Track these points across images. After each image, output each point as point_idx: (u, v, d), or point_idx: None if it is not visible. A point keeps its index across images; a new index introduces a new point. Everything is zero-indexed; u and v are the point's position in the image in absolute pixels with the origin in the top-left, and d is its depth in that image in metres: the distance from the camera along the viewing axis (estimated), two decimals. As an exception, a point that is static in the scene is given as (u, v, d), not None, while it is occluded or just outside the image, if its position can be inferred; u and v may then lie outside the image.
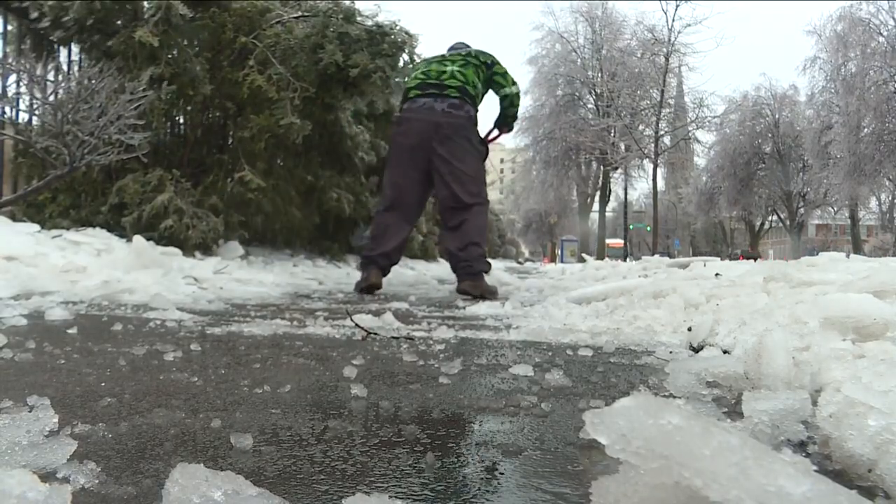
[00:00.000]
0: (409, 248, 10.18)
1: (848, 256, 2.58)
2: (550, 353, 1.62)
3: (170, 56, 6.24)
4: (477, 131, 4.45)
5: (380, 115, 10.09)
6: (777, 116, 30.01)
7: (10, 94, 5.91)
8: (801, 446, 0.80)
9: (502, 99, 4.67)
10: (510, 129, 4.87)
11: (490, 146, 4.75)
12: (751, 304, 1.81)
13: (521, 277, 7.37)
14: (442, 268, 10.33)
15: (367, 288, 4.24)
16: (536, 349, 1.70)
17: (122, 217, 5.91)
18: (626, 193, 28.96)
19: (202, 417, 0.93)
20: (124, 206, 5.97)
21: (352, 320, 2.06)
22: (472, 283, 4.09)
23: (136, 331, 1.93)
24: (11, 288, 2.95)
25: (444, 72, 4.44)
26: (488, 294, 4.04)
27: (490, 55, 4.68)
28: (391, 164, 4.53)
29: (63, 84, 5.18)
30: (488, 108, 4.86)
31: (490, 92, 4.76)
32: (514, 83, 4.68)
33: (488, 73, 4.59)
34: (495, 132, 4.85)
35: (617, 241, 36.40)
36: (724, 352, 1.49)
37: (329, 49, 6.67)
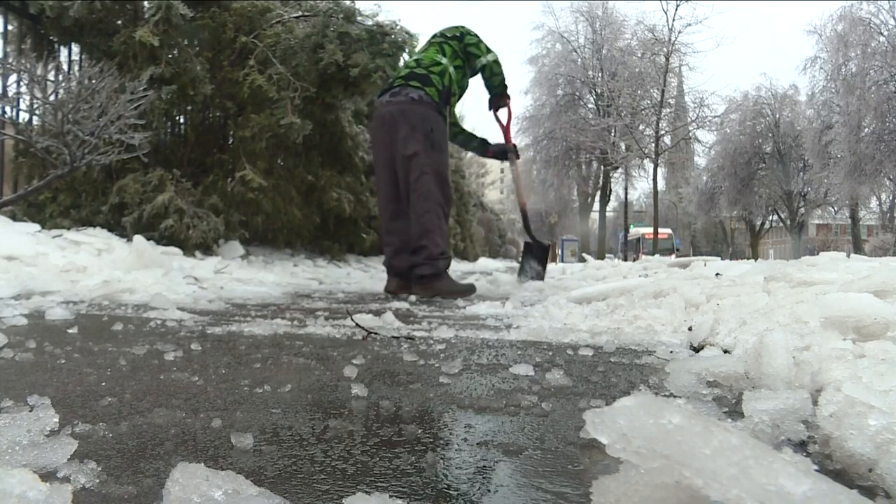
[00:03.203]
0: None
1: (848, 256, 2.58)
2: (551, 353, 1.62)
3: (170, 56, 6.25)
4: (425, 111, 4.13)
5: (380, 114, 10.08)
6: (777, 116, 30.00)
7: (10, 93, 5.91)
8: (801, 446, 0.80)
9: (481, 71, 4.48)
10: (503, 99, 4.60)
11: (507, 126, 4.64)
12: (751, 303, 1.81)
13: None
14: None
15: (391, 293, 4.26)
16: (537, 349, 1.70)
17: (123, 217, 5.91)
18: (626, 193, 28.94)
19: (203, 417, 0.93)
20: (125, 205, 5.98)
21: (352, 320, 2.06)
22: (420, 287, 4.01)
23: (137, 330, 1.93)
24: (12, 288, 2.95)
25: (407, 63, 4.39)
26: (447, 295, 3.94)
27: (459, 27, 4.49)
28: (374, 170, 4.53)
29: (63, 84, 5.18)
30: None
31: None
32: (488, 51, 4.46)
33: (461, 45, 4.40)
34: (502, 113, 4.66)
35: (660, 231, 32.26)
36: (725, 351, 1.49)
37: (329, 49, 6.68)
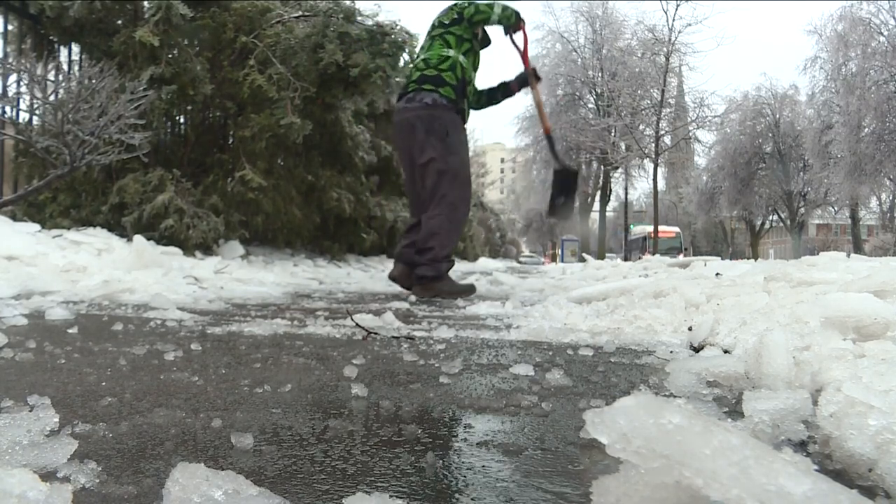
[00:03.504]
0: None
1: (848, 256, 2.58)
2: (551, 353, 1.62)
3: (170, 56, 6.25)
4: (440, 114, 4.13)
5: (380, 114, 10.10)
6: (777, 116, 30.00)
7: (10, 93, 5.92)
8: (801, 446, 0.80)
9: (497, 24, 4.36)
10: (518, 24, 4.43)
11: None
12: (751, 303, 1.81)
13: (522, 277, 7.37)
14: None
15: (393, 279, 4.30)
16: (537, 349, 1.70)
17: (123, 217, 5.91)
18: (626, 193, 28.94)
19: (203, 417, 0.93)
20: (125, 205, 5.98)
21: (352, 320, 2.06)
22: (420, 288, 4.06)
23: (137, 330, 1.93)
24: (12, 287, 2.95)
25: (416, 65, 4.38)
26: (447, 295, 3.96)
27: (454, 7, 4.36)
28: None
29: (63, 84, 5.18)
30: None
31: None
32: (491, 6, 4.28)
33: (464, 26, 4.28)
34: (518, 37, 4.50)
35: (667, 230, 28.51)
36: (725, 351, 1.49)
37: (329, 49, 6.67)
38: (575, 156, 29.65)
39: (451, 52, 4.25)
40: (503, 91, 4.81)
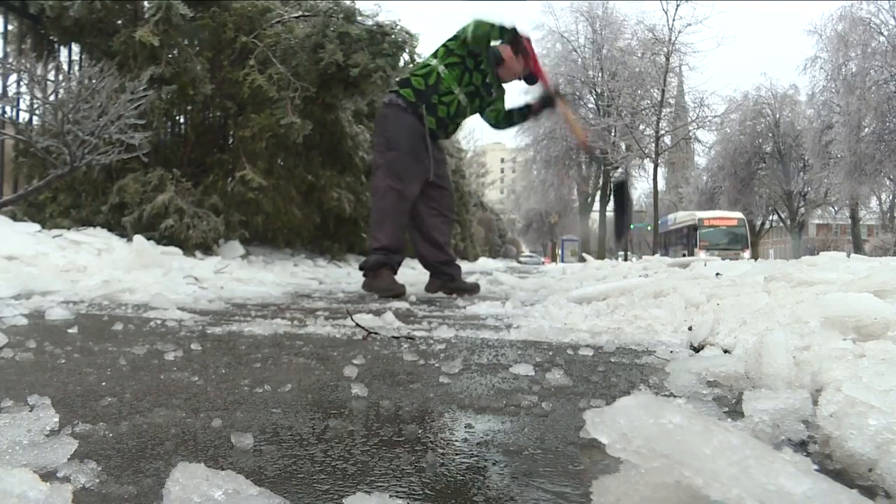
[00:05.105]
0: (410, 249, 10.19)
1: (849, 256, 2.58)
2: (551, 353, 1.62)
3: (170, 56, 6.25)
4: (386, 112, 4.22)
5: (380, 114, 10.08)
6: (777, 116, 30.03)
7: (10, 93, 5.92)
8: (801, 445, 0.80)
9: (472, 41, 4.18)
10: (516, 44, 4.22)
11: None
12: (751, 303, 1.81)
13: (522, 277, 7.37)
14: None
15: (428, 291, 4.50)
16: (537, 349, 1.70)
17: (123, 217, 5.91)
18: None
19: (203, 417, 0.93)
20: (125, 205, 5.98)
21: (352, 320, 2.06)
22: (365, 282, 4.17)
23: (137, 330, 1.93)
24: (12, 287, 2.95)
25: None
26: (379, 293, 3.94)
27: (462, 27, 4.29)
28: None
29: (63, 84, 5.19)
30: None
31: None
32: (468, 28, 4.17)
33: (458, 42, 4.23)
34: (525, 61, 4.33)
35: (726, 215, 23.66)
36: (725, 351, 1.49)
37: (329, 49, 6.67)
38: (575, 156, 29.71)
39: (433, 62, 4.29)
40: (524, 113, 4.64)
